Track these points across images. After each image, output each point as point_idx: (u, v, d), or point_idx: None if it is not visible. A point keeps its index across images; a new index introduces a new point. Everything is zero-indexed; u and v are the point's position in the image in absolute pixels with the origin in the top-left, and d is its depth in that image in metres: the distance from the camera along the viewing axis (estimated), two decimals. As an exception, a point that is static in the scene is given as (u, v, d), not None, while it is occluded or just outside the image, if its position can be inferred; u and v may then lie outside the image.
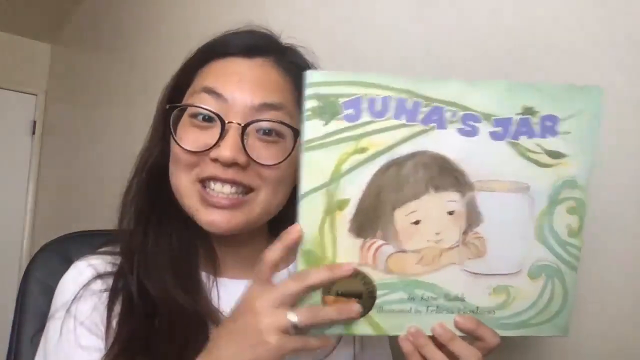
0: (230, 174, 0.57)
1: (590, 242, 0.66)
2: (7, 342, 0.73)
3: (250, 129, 0.57)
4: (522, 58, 0.75)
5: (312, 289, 0.48)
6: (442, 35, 0.86)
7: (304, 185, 0.48)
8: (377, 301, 0.50)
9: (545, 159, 0.50)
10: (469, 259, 0.50)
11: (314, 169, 0.48)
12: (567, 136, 0.50)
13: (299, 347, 0.47)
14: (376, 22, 0.98)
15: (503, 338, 0.51)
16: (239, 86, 0.58)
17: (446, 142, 0.49)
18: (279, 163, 0.58)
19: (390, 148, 0.48)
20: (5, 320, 0.86)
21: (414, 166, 0.48)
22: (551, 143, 0.50)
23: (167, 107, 0.61)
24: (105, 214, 0.67)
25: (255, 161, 0.57)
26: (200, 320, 0.58)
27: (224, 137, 0.56)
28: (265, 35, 0.65)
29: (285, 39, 0.66)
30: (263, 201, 0.59)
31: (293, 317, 0.46)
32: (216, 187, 0.58)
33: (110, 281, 0.60)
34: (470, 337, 0.51)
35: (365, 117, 0.48)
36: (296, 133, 0.58)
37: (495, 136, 0.49)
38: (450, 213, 0.50)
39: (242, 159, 0.56)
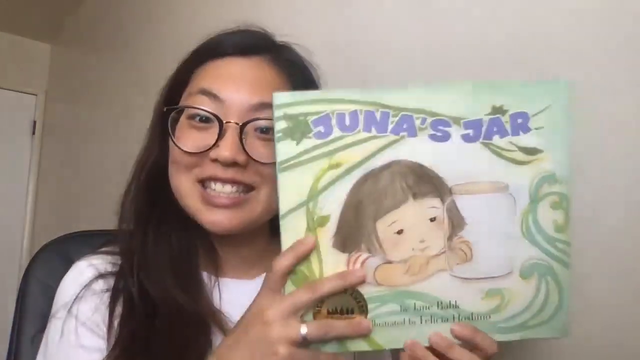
0: (230, 173, 0.57)
1: (590, 242, 0.66)
2: (7, 342, 0.73)
3: (248, 127, 0.57)
4: (522, 58, 0.75)
5: (323, 298, 0.48)
6: (442, 35, 0.86)
7: (283, 206, 0.48)
8: (369, 315, 0.49)
9: (521, 156, 0.50)
10: (457, 265, 0.50)
11: (290, 189, 0.48)
12: (540, 131, 0.50)
13: None
14: (376, 22, 0.98)
15: (500, 341, 0.50)
16: (236, 86, 0.58)
17: (419, 150, 0.49)
18: None
19: (364, 161, 0.48)
20: (6, 321, 0.86)
21: (391, 176, 0.48)
22: (525, 140, 0.50)
23: (165, 109, 0.61)
24: (105, 214, 0.67)
25: (254, 160, 0.57)
26: (201, 321, 0.58)
27: (223, 137, 0.57)
28: (260, 34, 0.65)
29: (282, 37, 0.66)
30: (264, 199, 0.60)
31: (303, 329, 0.46)
32: (217, 187, 0.58)
33: (111, 281, 0.60)
34: (468, 345, 0.50)
35: (336, 132, 0.48)
36: None
37: (467, 139, 0.49)
38: (432, 220, 0.49)
39: (241, 158, 0.56)
